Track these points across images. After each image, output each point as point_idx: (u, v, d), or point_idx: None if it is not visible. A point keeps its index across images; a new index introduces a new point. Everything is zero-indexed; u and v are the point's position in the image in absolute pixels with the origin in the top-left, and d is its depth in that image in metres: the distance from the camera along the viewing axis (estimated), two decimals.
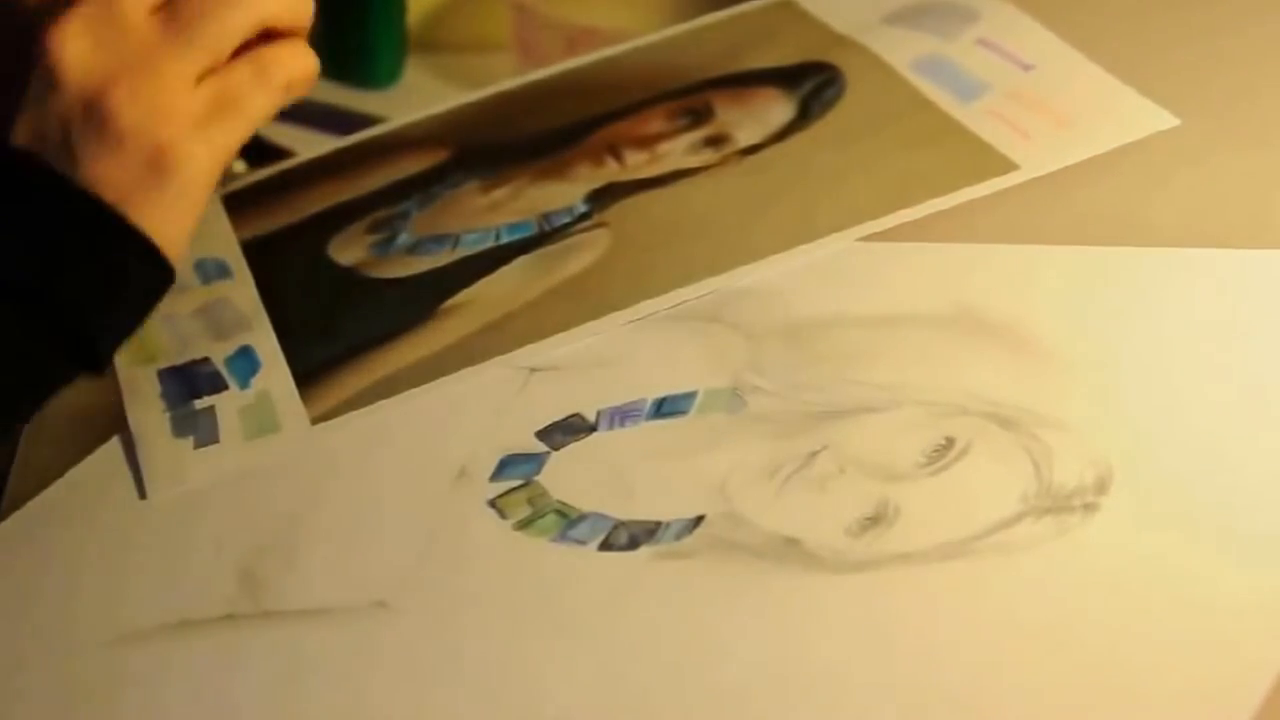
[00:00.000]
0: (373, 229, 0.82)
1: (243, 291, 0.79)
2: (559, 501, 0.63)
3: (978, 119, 0.77)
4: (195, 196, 0.65)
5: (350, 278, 0.79)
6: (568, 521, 0.62)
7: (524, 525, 0.63)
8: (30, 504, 0.69)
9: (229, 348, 0.75)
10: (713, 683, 0.55)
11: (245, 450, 0.70)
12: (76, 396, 0.68)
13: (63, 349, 0.64)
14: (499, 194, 0.82)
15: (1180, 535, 0.56)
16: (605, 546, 0.61)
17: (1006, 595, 0.55)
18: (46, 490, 0.69)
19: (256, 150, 0.99)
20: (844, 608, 0.56)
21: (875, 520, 0.59)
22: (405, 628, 0.60)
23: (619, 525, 0.61)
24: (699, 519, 0.61)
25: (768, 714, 0.54)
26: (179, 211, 0.65)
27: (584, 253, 0.76)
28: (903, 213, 0.72)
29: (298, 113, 1.03)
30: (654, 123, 0.83)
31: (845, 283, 0.70)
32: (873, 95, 0.80)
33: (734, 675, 0.55)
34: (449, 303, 0.75)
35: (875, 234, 0.72)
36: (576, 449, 0.65)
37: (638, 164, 0.81)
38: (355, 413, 0.70)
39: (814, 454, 0.62)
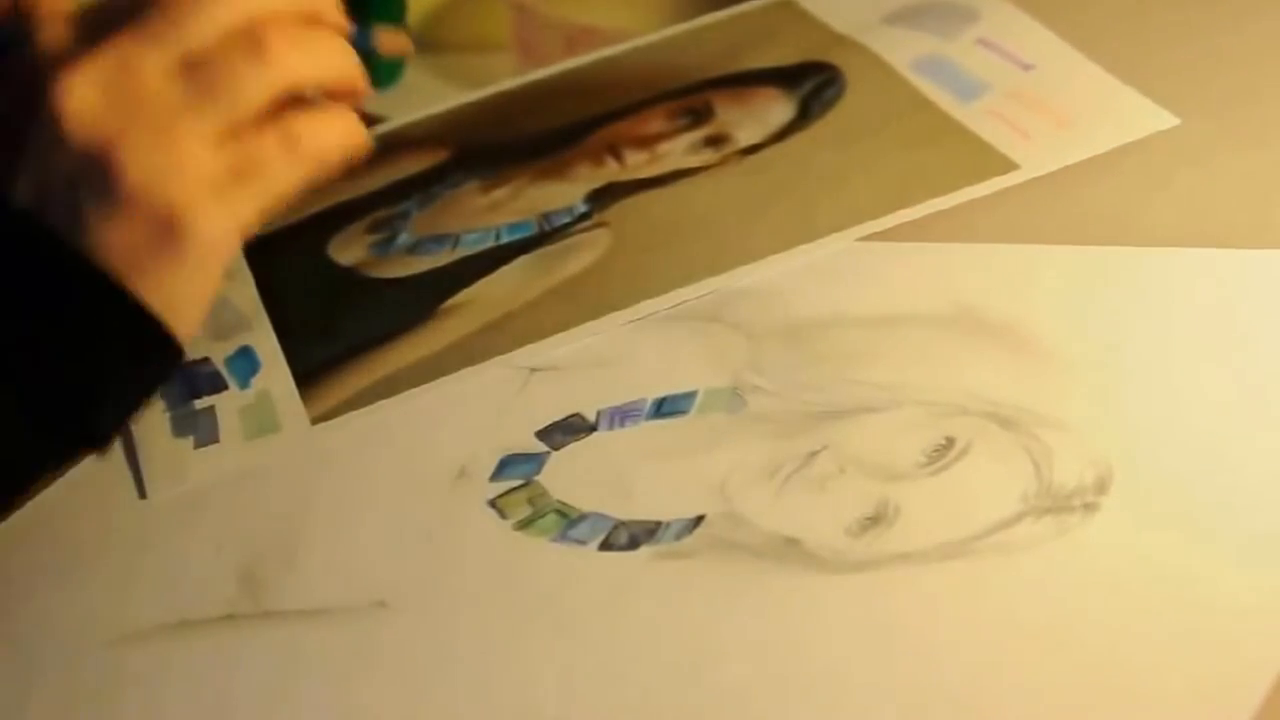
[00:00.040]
0: (373, 229, 0.82)
1: (242, 291, 0.79)
2: (559, 501, 0.63)
3: (978, 119, 0.77)
4: (209, 267, 0.60)
5: (350, 277, 0.79)
6: (568, 521, 0.62)
7: (524, 525, 0.62)
8: (30, 504, 0.69)
9: (229, 348, 0.75)
10: (712, 683, 0.55)
11: (245, 450, 0.70)
12: None
13: (60, 430, 0.60)
14: (499, 194, 0.82)
15: (1180, 535, 0.56)
16: (605, 546, 0.61)
17: (1006, 595, 0.55)
18: (46, 490, 0.69)
19: None
20: (844, 608, 0.56)
21: (875, 520, 0.59)
22: (405, 627, 0.59)
23: (619, 525, 0.61)
24: (699, 519, 0.60)
25: (768, 714, 0.54)
26: (192, 283, 0.60)
27: (584, 253, 0.76)
28: (903, 213, 0.72)
29: None
30: (654, 122, 0.83)
31: (845, 283, 0.70)
32: (873, 95, 0.80)
33: (734, 675, 0.55)
34: (449, 303, 0.75)
35: (875, 234, 0.72)
36: (576, 449, 0.65)
37: (638, 164, 0.81)
38: (355, 413, 0.70)
39: (814, 454, 0.62)
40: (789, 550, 0.58)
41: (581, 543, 0.61)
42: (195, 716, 0.59)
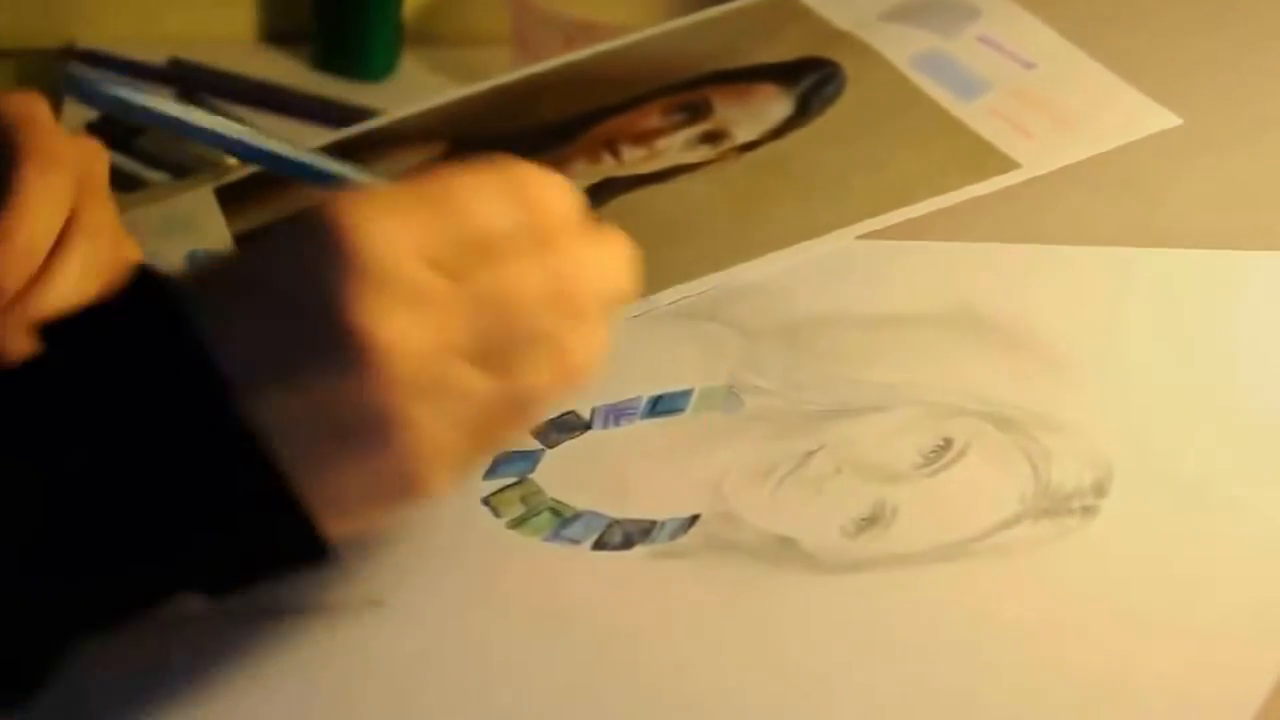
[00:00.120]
0: None
1: None
2: (553, 500, 0.63)
3: (978, 117, 0.77)
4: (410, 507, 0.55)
5: None
6: (562, 520, 0.62)
7: (517, 524, 0.62)
8: None
9: None
10: (707, 683, 0.55)
11: None
12: None
13: (183, 587, 0.54)
14: None
15: (1179, 537, 0.56)
16: (599, 546, 0.60)
17: (1004, 597, 0.55)
18: None
19: None
20: (840, 609, 0.56)
21: (872, 521, 0.59)
22: (399, 626, 0.59)
23: (613, 524, 0.61)
24: (694, 518, 0.60)
25: (763, 715, 0.53)
26: (379, 515, 0.55)
27: None
28: (902, 211, 0.72)
29: (291, 105, 1.03)
30: (652, 118, 0.83)
31: (844, 281, 0.70)
32: (873, 92, 0.80)
33: (729, 676, 0.55)
34: None
35: (874, 232, 0.72)
36: (571, 446, 0.65)
37: (635, 160, 0.80)
38: None
39: (810, 454, 0.62)
40: (785, 550, 0.58)
41: (575, 542, 0.61)
42: (183, 713, 0.59)
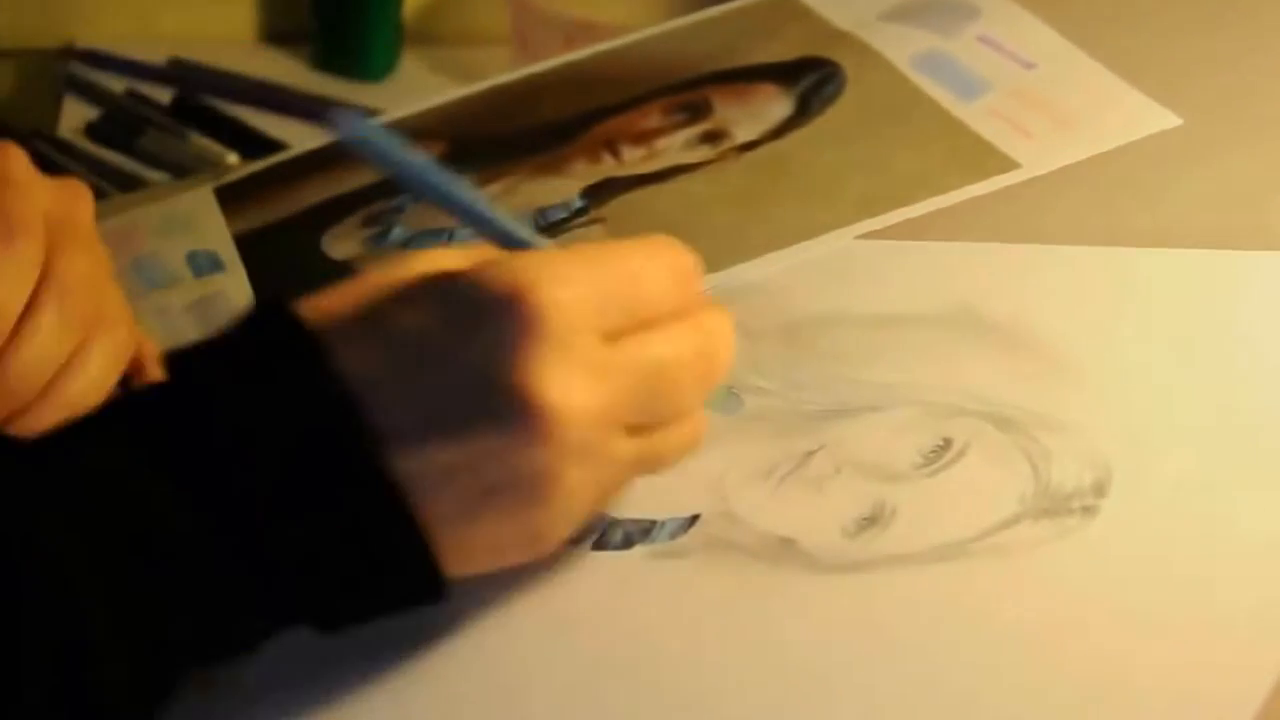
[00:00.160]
0: (367, 223, 0.81)
1: (235, 286, 0.79)
2: None
3: (978, 117, 0.77)
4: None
5: (345, 272, 0.79)
6: None
7: None
8: None
9: None
10: (707, 683, 0.55)
11: None
12: None
13: (296, 619, 0.54)
14: (494, 188, 0.81)
15: (1179, 538, 0.56)
16: (599, 545, 0.60)
17: (1003, 597, 0.55)
18: None
19: (250, 142, 0.99)
20: (839, 608, 0.56)
21: (872, 521, 0.59)
22: (399, 627, 0.59)
23: (613, 524, 0.61)
24: (694, 518, 0.60)
25: (763, 715, 0.53)
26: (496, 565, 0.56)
27: None
28: (902, 211, 0.72)
29: (291, 105, 1.03)
30: (651, 118, 0.83)
31: (844, 281, 0.70)
32: (872, 92, 0.80)
33: (729, 676, 0.55)
34: None
35: (874, 232, 0.72)
36: None
37: (635, 160, 0.80)
38: None
39: (810, 454, 0.62)
40: (784, 550, 0.58)
41: (575, 541, 0.60)
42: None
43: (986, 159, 0.74)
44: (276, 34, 1.11)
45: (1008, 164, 0.74)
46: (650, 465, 0.57)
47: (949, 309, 0.66)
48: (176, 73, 1.06)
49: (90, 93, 1.04)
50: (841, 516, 0.59)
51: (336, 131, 0.55)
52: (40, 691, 0.50)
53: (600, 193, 0.79)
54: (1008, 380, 0.63)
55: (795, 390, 0.64)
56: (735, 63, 0.85)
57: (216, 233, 0.83)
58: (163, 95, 1.04)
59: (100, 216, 0.72)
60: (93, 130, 1.01)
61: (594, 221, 0.77)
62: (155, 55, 1.07)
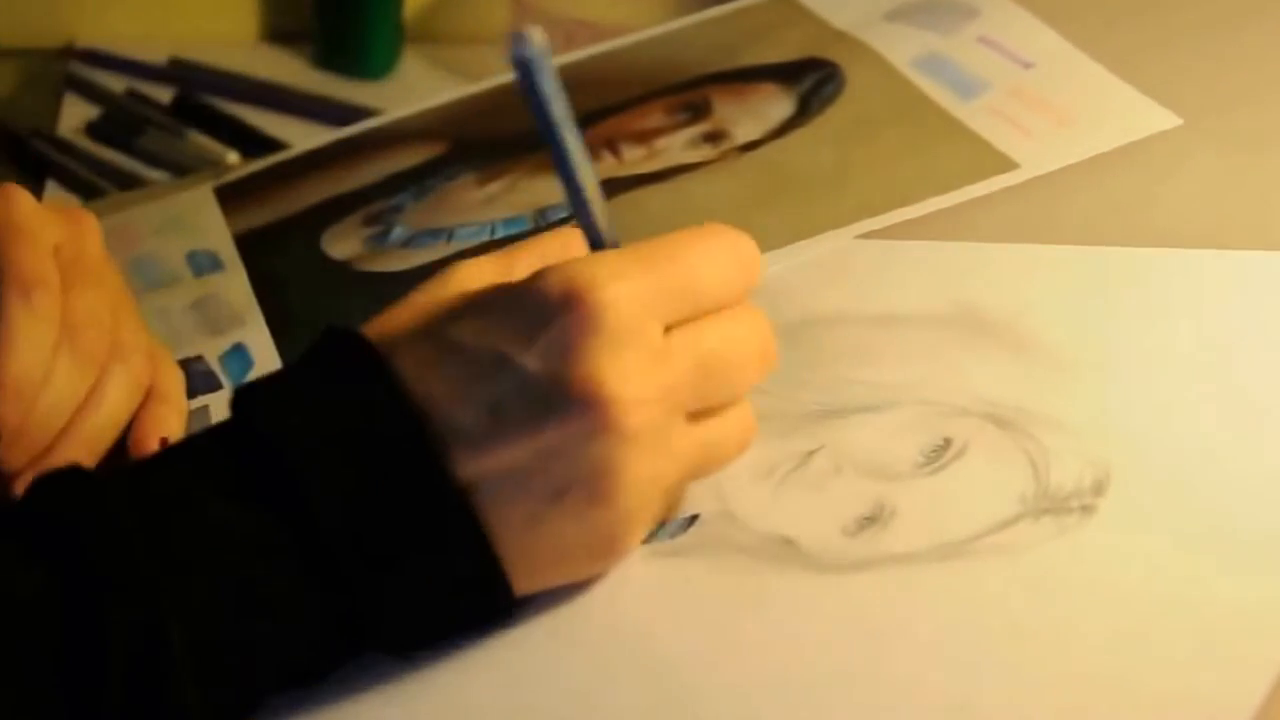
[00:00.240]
0: (367, 222, 0.82)
1: (235, 285, 0.79)
2: None
3: (978, 117, 0.77)
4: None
5: (344, 271, 0.79)
6: None
7: None
8: None
9: (223, 344, 0.75)
10: (706, 683, 0.55)
11: None
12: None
13: (365, 640, 0.55)
14: (494, 187, 0.81)
15: (1178, 537, 0.56)
16: None
17: (1003, 596, 0.55)
18: None
19: (250, 141, 0.99)
20: (839, 608, 0.56)
21: (872, 520, 0.59)
22: None
23: None
24: (694, 518, 0.60)
25: (762, 715, 0.53)
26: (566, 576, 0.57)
27: None
28: (902, 210, 0.72)
29: (291, 104, 1.03)
30: (652, 118, 0.83)
31: (844, 281, 0.70)
32: (872, 92, 0.80)
33: (728, 675, 0.55)
34: None
35: (874, 231, 0.72)
36: None
37: (635, 159, 0.80)
38: None
39: (810, 453, 0.62)
40: (785, 550, 0.58)
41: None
42: None
43: (986, 159, 0.74)
44: (277, 33, 1.11)
45: (1007, 164, 0.74)
46: (710, 456, 0.58)
47: (949, 309, 0.66)
48: (176, 72, 1.06)
49: (90, 92, 1.04)
50: (842, 516, 0.59)
51: (512, 47, 0.56)
52: (115, 707, 0.51)
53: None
54: (1008, 380, 0.63)
55: (795, 390, 0.64)
56: (736, 63, 0.85)
57: (216, 232, 0.83)
58: (163, 95, 1.04)
59: (100, 215, 0.72)
60: (93, 129, 1.01)
61: None
62: (155, 55, 1.07)
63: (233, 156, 0.97)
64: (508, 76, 0.90)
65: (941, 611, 0.55)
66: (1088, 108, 0.76)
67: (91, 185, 0.96)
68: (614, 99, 0.85)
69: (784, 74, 0.83)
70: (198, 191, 0.87)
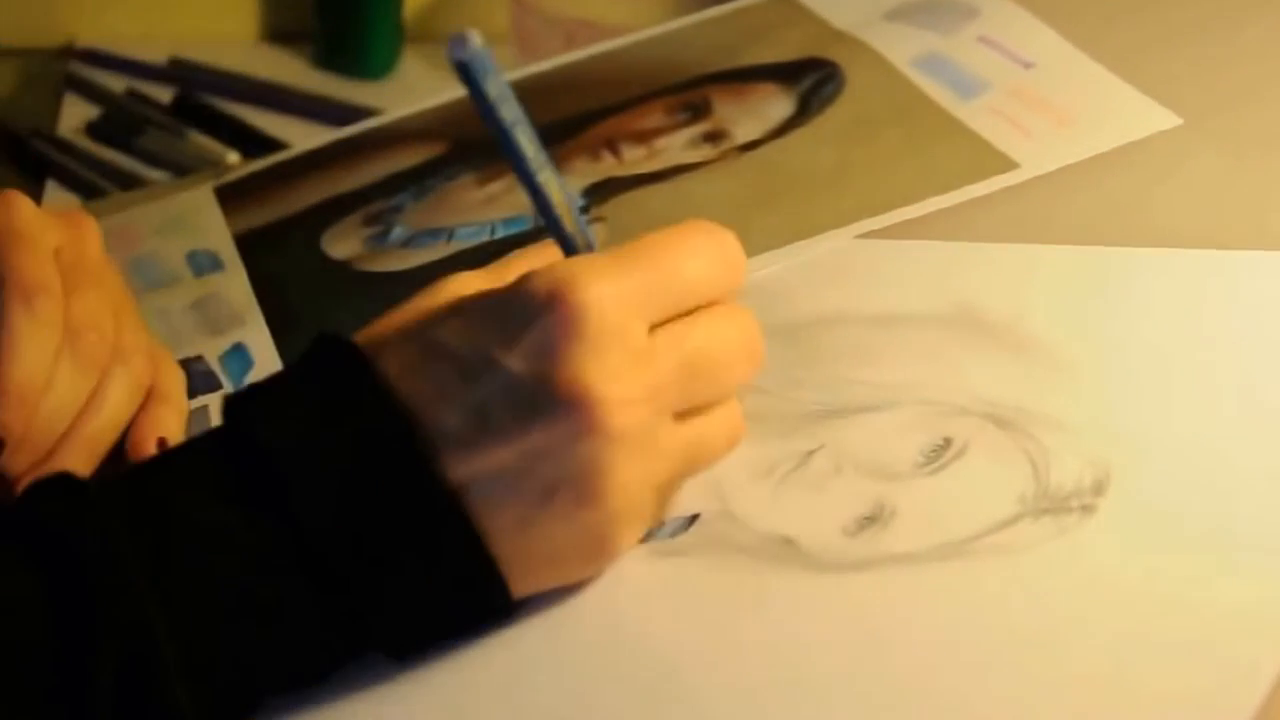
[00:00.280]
0: (367, 222, 0.81)
1: (235, 285, 0.79)
2: None
3: (978, 117, 0.77)
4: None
5: (344, 271, 0.79)
6: None
7: None
8: None
9: (223, 344, 0.75)
10: (706, 682, 0.55)
11: None
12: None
13: (366, 643, 0.55)
14: (494, 187, 0.81)
15: (1178, 538, 0.56)
16: None
17: (1003, 596, 0.55)
18: None
19: (250, 141, 0.99)
20: (839, 608, 0.56)
21: (872, 520, 0.59)
22: None
23: None
24: (694, 518, 0.60)
25: (762, 714, 0.53)
26: (561, 577, 0.57)
27: None
28: (902, 210, 0.72)
29: (291, 104, 1.03)
30: (652, 118, 0.83)
31: (843, 280, 0.70)
32: (872, 92, 0.80)
33: (728, 675, 0.55)
34: None
35: (874, 231, 0.72)
36: None
37: (635, 159, 0.80)
38: None
39: (811, 453, 0.62)
40: (784, 550, 0.58)
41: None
42: None
43: (986, 159, 0.74)
44: (277, 33, 1.11)
45: (1007, 164, 0.74)
46: (698, 454, 0.58)
47: (949, 309, 0.66)
48: (177, 72, 1.06)
49: (90, 92, 1.04)
50: (841, 516, 0.59)
51: (450, 51, 0.56)
52: (105, 709, 0.51)
53: (601, 192, 0.79)
54: (1008, 380, 0.63)
55: (795, 390, 0.64)
56: (736, 63, 0.85)
57: (216, 232, 0.83)
58: (163, 94, 1.04)
59: (100, 215, 0.72)
60: (93, 129, 1.01)
61: (594, 221, 0.77)
62: (155, 54, 1.07)
63: (233, 156, 0.97)
64: (509, 77, 0.90)
65: (941, 611, 0.55)
66: (1088, 108, 0.76)
67: (91, 185, 0.96)
68: (614, 99, 0.85)
69: (784, 74, 0.83)
70: (198, 191, 0.87)
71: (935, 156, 0.75)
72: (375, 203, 0.82)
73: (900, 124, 0.78)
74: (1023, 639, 0.54)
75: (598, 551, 0.56)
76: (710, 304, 0.57)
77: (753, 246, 0.71)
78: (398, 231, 0.80)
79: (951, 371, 0.64)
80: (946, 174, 0.73)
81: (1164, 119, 0.73)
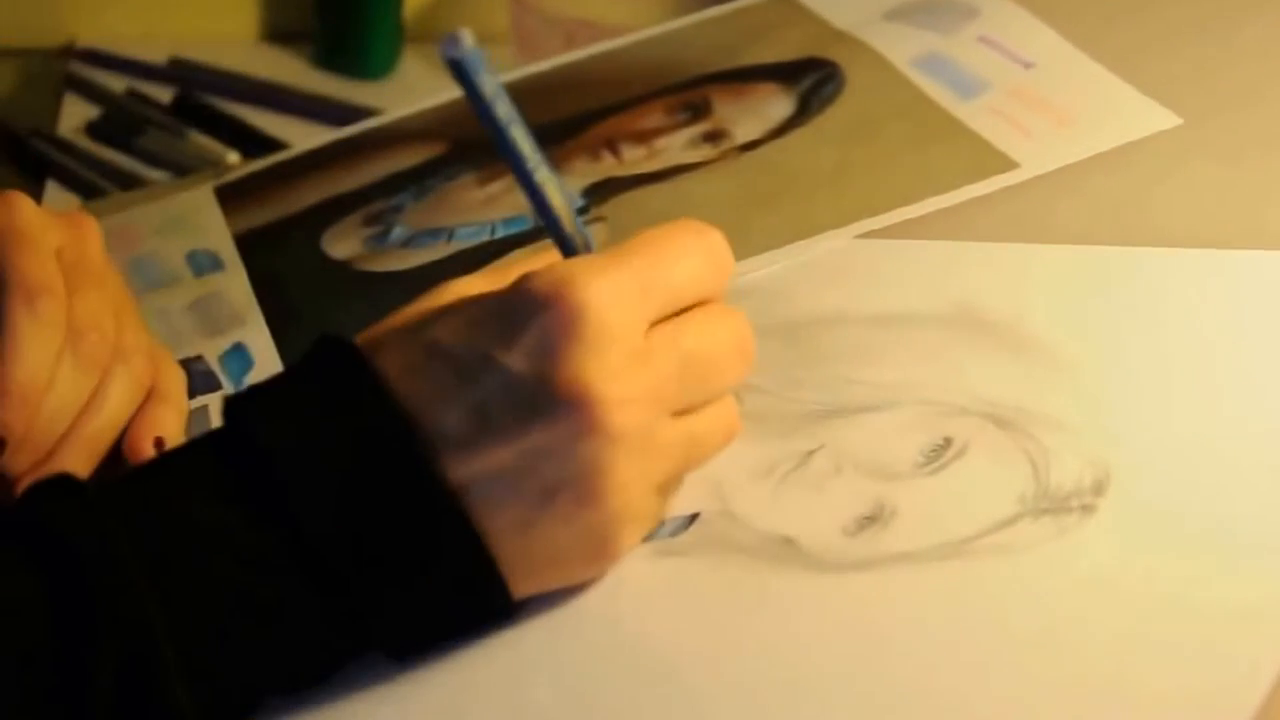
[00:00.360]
0: (367, 222, 0.81)
1: (235, 285, 0.79)
2: None
3: (978, 116, 0.77)
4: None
5: (344, 271, 0.79)
6: None
7: None
8: None
9: (223, 344, 0.75)
10: (706, 682, 0.55)
11: None
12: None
13: (366, 641, 0.55)
14: (494, 187, 0.81)
15: (1178, 538, 0.56)
16: None
17: (1003, 596, 0.55)
18: None
19: (250, 141, 0.99)
20: (840, 607, 0.56)
21: (872, 520, 0.59)
22: None
23: None
24: (694, 518, 0.60)
25: (762, 714, 0.53)
26: (562, 578, 0.57)
27: None
28: (902, 210, 0.72)
29: (291, 104, 1.03)
30: (652, 117, 0.83)
31: (844, 280, 0.70)
32: (872, 92, 0.80)
33: (728, 675, 0.55)
34: None
35: (874, 231, 0.72)
36: None
37: (635, 159, 0.80)
38: None
39: (811, 453, 0.62)
40: (785, 550, 0.58)
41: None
42: None
43: (986, 159, 0.74)
44: (277, 33, 1.11)
45: (1007, 164, 0.74)
46: (695, 451, 0.58)
47: (949, 309, 0.66)
48: (177, 72, 1.06)
49: (90, 92, 1.04)
50: (842, 516, 0.59)
51: (443, 50, 0.56)
52: (105, 709, 0.51)
53: (601, 192, 0.79)
54: (1008, 380, 0.63)
55: (795, 390, 0.64)
56: (736, 63, 0.85)
57: (216, 232, 0.83)
58: (163, 94, 1.04)
59: (100, 215, 0.72)
60: (93, 129, 1.01)
61: (595, 220, 0.77)
62: (155, 54, 1.07)
63: (233, 156, 0.97)
64: (507, 77, 0.90)
65: (941, 611, 0.55)
66: (1087, 108, 0.76)
67: (91, 185, 0.96)
68: (614, 99, 0.85)
69: (784, 74, 0.83)
70: (198, 191, 0.87)
71: (935, 156, 0.75)
72: (375, 203, 0.82)
73: (900, 124, 0.78)
74: (1023, 639, 0.54)
75: (599, 552, 0.56)
76: (701, 303, 0.57)
77: (753, 246, 0.72)
78: (398, 231, 0.80)
79: (951, 371, 0.64)
80: (946, 174, 0.73)
81: (1164, 119, 0.73)
